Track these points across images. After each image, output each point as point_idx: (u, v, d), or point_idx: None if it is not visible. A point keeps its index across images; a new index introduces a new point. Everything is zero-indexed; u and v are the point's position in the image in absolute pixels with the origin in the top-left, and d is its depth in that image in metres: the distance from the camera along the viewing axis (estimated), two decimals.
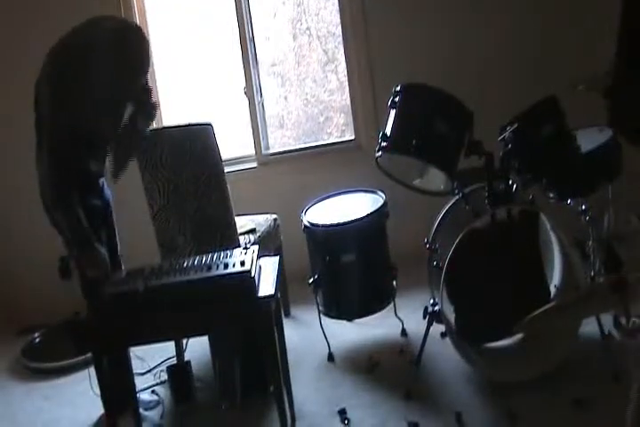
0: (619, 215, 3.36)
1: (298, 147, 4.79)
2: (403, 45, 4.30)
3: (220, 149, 3.26)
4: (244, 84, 4.62)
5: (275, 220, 3.90)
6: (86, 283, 2.98)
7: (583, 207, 3.21)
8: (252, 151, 4.69)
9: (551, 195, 3.13)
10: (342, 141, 4.73)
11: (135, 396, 2.94)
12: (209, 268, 2.56)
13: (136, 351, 3.33)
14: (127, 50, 2.74)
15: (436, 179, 3.01)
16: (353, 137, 4.64)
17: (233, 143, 4.74)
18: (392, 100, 3.00)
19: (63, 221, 2.78)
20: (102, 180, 3.09)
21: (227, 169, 3.36)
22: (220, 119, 4.45)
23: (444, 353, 3.12)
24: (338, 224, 3.32)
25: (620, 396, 2.54)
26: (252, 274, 2.51)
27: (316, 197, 3.63)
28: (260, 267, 2.73)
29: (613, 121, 2.55)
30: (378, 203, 3.41)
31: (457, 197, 3.11)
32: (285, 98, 4.95)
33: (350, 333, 3.59)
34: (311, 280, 3.40)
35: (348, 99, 4.64)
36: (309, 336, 3.62)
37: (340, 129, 4.92)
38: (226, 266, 2.55)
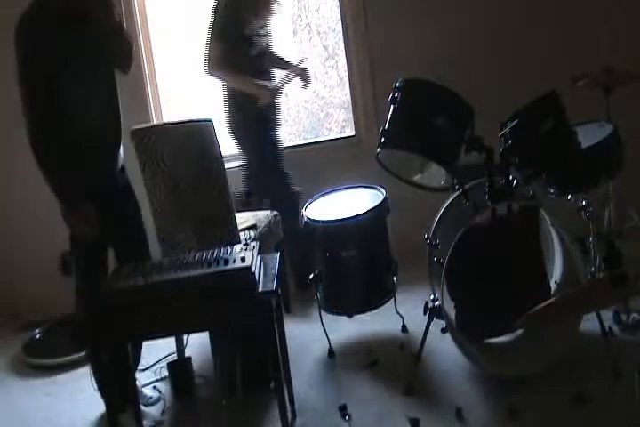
0: (619, 211, 3.36)
1: (298, 143, 4.79)
2: (403, 41, 4.29)
3: (220, 145, 3.27)
4: None
5: (275, 216, 3.90)
6: (81, 280, 2.99)
7: (584, 203, 3.21)
8: None
9: (551, 190, 3.13)
10: (342, 137, 4.73)
11: (136, 392, 2.95)
12: (209, 264, 2.56)
13: None
14: None
15: (436, 175, 3.01)
16: (353, 133, 4.64)
17: None
18: (392, 96, 3.00)
19: (47, 171, 2.78)
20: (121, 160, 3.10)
21: (227, 165, 3.36)
22: (221, 115, 4.44)
23: (444, 349, 3.12)
24: (338, 220, 3.32)
25: (620, 391, 2.55)
26: (253, 270, 2.51)
27: (316, 193, 3.63)
28: (261, 263, 2.73)
29: None
30: (378, 198, 3.41)
31: (457, 192, 3.11)
32: (286, 94, 4.94)
33: (350, 329, 3.59)
34: (311, 276, 3.40)
35: (349, 94, 4.63)
36: (310, 332, 3.62)
37: (340, 125, 4.92)
38: (226, 262, 2.55)
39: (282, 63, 4.21)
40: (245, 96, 3.98)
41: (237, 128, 4.09)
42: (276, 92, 4.03)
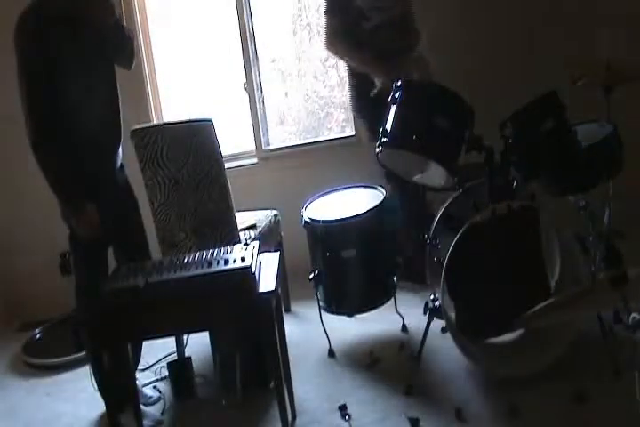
0: (619, 211, 3.35)
1: (298, 142, 4.79)
2: None
3: (220, 145, 3.27)
4: (244, 80, 4.62)
5: (275, 215, 3.91)
6: (81, 280, 2.99)
7: (583, 203, 3.21)
8: (252, 147, 4.69)
9: (551, 190, 3.13)
10: (343, 137, 4.73)
11: (136, 392, 2.95)
12: (209, 264, 2.56)
13: None
14: None
15: (436, 174, 3.01)
16: (353, 133, 4.64)
17: (233, 139, 4.74)
18: (392, 96, 3.00)
19: (48, 171, 2.79)
20: (119, 157, 3.10)
21: (227, 165, 3.36)
22: (221, 115, 4.45)
23: (444, 349, 3.12)
24: (338, 220, 3.31)
25: (620, 391, 2.55)
26: (253, 270, 2.51)
27: (316, 193, 3.63)
28: (261, 263, 2.73)
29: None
30: (378, 198, 3.41)
31: (457, 192, 3.11)
32: (286, 94, 4.95)
33: (351, 328, 3.59)
34: (312, 276, 3.40)
35: (349, 94, 4.62)
36: (310, 332, 3.62)
37: (340, 125, 4.92)
38: (226, 262, 2.55)
39: (399, 44, 3.67)
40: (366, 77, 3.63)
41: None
42: (394, 77, 3.14)
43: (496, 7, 4.21)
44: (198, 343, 3.46)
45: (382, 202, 3.37)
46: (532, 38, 4.22)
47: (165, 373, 3.39)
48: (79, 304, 3.01)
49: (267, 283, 2.62)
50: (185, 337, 3.39)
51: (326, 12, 3.74)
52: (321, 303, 3.45)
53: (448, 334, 2.92)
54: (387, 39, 3.63)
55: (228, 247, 2.71)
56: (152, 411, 3.11)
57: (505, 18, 4.23)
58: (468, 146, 2.93)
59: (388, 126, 2.96)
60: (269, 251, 3.14)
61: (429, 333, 3.00)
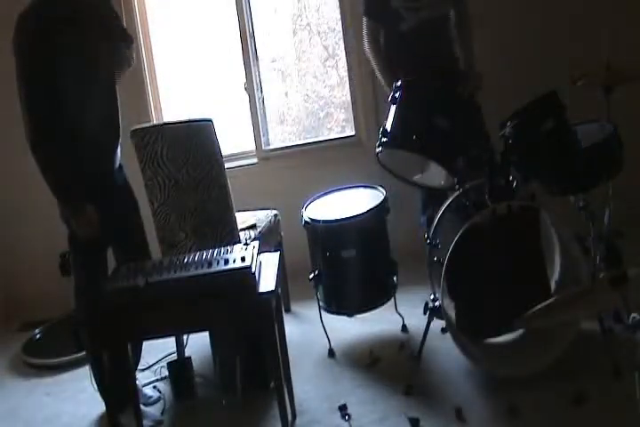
0: (619, 211, 3.35)
1: (298, 142, 4.79)
2: None
3: (220, 145, 3.27)
4: (244, 79, 4.61)
5: (275, 215, 3.90)
6: (80, 280, 2.99)
7: (583, 203, 3.21)
8: (252, 147, 4.69)
9: (551, 190, 3.13)
10: (343, 137, 4.72)
11: (136, 392, 2.94)
12: (209, 264, 2.56)
13: None
14: None
15: (436, 174, 3.01)
16: (353, 133, 4.64)
17: (233, 139, 4.74)
18: (392, 96, 3.00)
19: (47, 172, 2.78)
20: (118, 157, 3.09)
21: (227, 165, 3.36)
22: (221, 115, 4.45)
23: (444, 349, 3.12)
24: (338, 220, 3.31)
25: (620, 391, 2.55)
26: (253, 270, 2.51)
27: (316, 193, 3.63)
28: (261, 263, 2.73)
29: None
30: (378, 198, 3.41)
31: (457, 192, 3.11)
32: (286, 94, 4.95)
33: (351, 328, 3.59)
34: (312, 276, 3.40)
35: (349, 94, 4.63)
36: (310, 332, 3.62)
37: (340, 125, 4.92)
38: (226, 262, 2.55)
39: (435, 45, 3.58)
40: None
41: None
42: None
43: (495, 8, 4.21)
44: (198, 343, 3.46)
45: (382, 202, 3.37)
46: (533, 38, 4.21)
47: (165, 373, 3.39)
48: (78, 304, 3.01)
49: (267, 283, 2.62)
50: (185, 337, 3.39)
51: (365, 14, 3.70)
52: (321, 303, 3.46)
53: (448, 334, 2.92)
54: (423, 40, 3.55)
55: (228, 247, 2.72)
56: (152, 411, 3.11)
57: (505, 18, 4.22)
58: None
59: (388, 126, 2.97)
60: (269, 251, 3.14)
61: (429, 333, 3.00)
